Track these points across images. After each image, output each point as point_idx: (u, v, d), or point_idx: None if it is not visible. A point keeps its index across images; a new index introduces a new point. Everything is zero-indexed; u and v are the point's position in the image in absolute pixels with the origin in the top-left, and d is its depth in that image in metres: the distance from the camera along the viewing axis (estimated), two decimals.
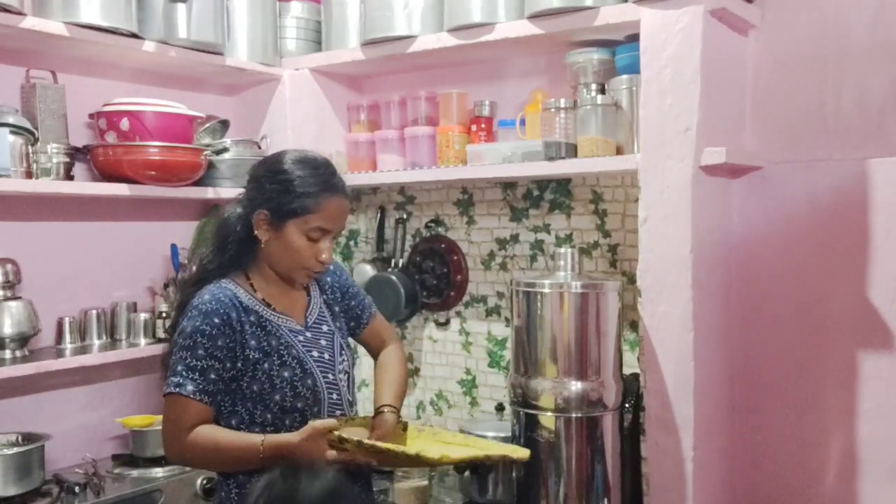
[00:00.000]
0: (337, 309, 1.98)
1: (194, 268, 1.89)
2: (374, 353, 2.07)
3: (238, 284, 1.83)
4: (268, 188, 1.79)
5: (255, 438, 1.72)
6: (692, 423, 1.99)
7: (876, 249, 2.04)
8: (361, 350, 2.10)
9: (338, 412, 1.84)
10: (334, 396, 1.84)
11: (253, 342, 1.76)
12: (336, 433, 1.69)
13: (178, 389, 1.70)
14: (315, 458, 1.67)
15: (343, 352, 1.90)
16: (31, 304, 2.30)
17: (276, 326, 1.81)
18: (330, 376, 1.85)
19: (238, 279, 1.84)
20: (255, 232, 1.80)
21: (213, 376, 1.72)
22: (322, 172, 1.81)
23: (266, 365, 1.76)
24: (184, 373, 1.71)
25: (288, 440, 1.70)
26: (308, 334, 1.86)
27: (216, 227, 1.90)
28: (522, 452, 1.88)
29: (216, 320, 1.73)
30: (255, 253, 1.84)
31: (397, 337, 2.14)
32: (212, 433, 1.73)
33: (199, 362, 1.71)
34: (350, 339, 2.03)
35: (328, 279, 1.99)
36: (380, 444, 1.71)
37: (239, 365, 1.75)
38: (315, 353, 1.83)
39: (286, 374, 1.77)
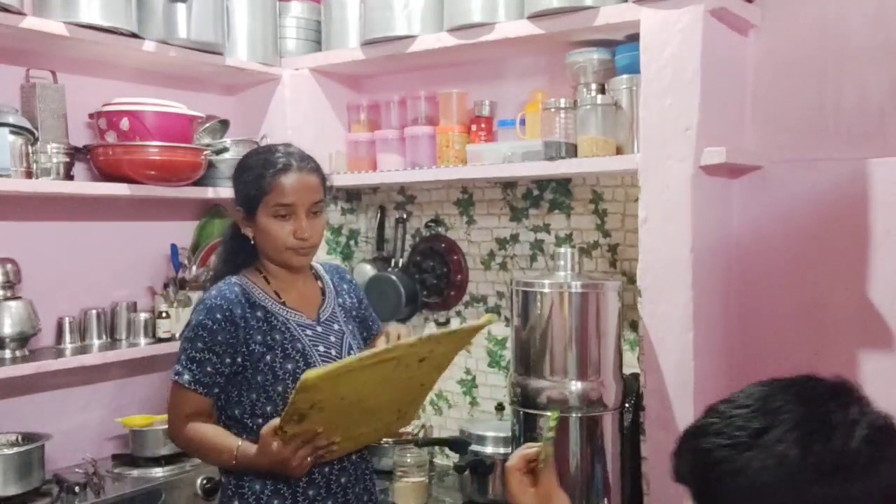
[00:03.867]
0: (354, 314, 2.03)
1: (211, 269, 2.00)
2: None
3: (251, 279, 1.89)
4: (235, 187, 1.90)
5: (232, 443, 1.78)
6: None
7: (876, 249, 2.04)
8: None
9: None
10: None
11: (258, 336, 1.82)
12: (278, 426, 1.64)
13: (176, 377, 1.81)
14: (274, 460, 1.69)
15: (351, 351, 1.92)
16: (31, 304, 2.30)
17: (283, 321, 1.86)
18: None
19: (251, 274, 1.91)
20: (243, 231, 1.89)
21: (209, 369, 1.79)
22: (269, 155, 1.85)
23: (269, 357, 1.81)
24: (184, 363, 1.80)
25: (251, 450, 1.73)
26: (319, 329, 1.90)
27: (223, 231, 2.01)
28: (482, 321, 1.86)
29: (218, 316, 1.80)
30: (255, 250, 1.91)
31: None
32: (199, 429, 1.81)
33: (197, 354, 1.79)
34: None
35: (345, 286, 2.05)
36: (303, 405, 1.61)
37: (239, 360, 1.81)
38: (322, 348, 1.88)
39: (289, 366, 1.82)
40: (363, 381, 1.65)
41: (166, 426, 2.41)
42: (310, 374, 1.56)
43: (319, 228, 1.87)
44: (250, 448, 1.75)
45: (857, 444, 0.91)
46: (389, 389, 1.74)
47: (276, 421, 1.68)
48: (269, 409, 1.81)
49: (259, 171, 1.83)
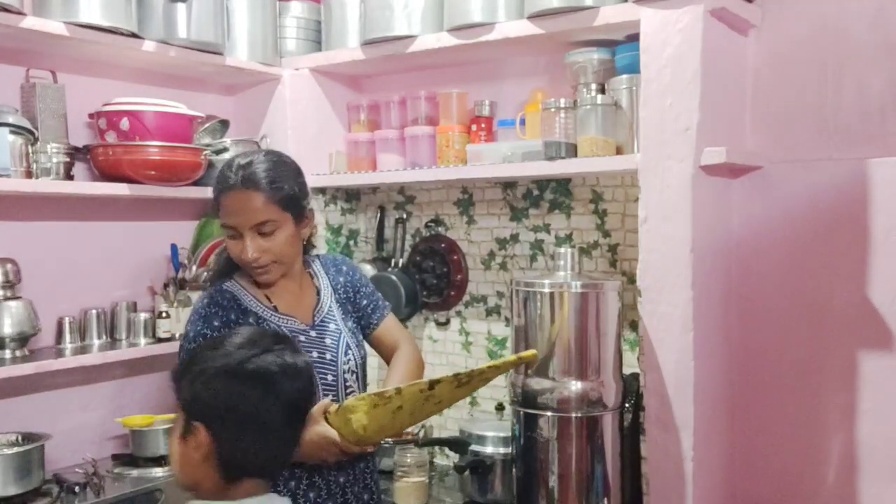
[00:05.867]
0: (350, 308, 2.00)
1: (211, 269, 1.97)
2: (387, 357, 2.05)
3: (242, 285, 1.88)
4: None
5: None
6: (692, 423, 1.99)
7: (876, 249, 2.04)
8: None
9: None
10: (329, 398, 1.84)
11: None
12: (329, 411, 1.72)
13: None
14: (319, 443, 1.69)
15: (349, 351, 1.91)
16: (31, 304, 2.30)
17: (274, 328, 1.83)
18: (329, 377, 1.86)
19: (244, 279, 1.88)
20: None
21: None
22: (226, 170, 1.80)
23: None
24: None
25: None
26: (313, 333, 1.87)
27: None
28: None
29: (216, 323, 1.79)
30: None
31: (412, 339, 2.12)
32: None
33: None
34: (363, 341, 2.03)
35: (341, 279, 2.01)
36: (350, 402, 1.70)
37: None
38: (315, 354, 1.84)
39: None
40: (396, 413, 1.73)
41: (166, 427, 2.45)
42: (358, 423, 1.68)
43: (274, 247, 1.79)
44: None
45: (266, 364, 1.42)
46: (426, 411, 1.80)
47: (326, 401, 1.73)
48: None
49: (214, 189, 1.82)
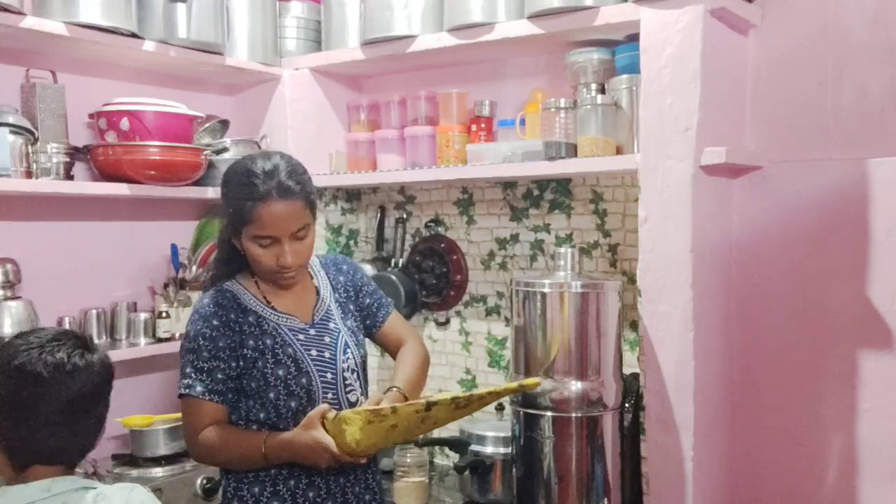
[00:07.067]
0: (352, 307, 2.00)
1: (209, 272, 1.97)
2: (394, 354, 2.07)
3: (242, 285, 1.88)
4: (222, 200, 1.84)
5: (258, 437, 1.76)
6: (692, 423, 1.99)
7: (876, 249, 2.04)
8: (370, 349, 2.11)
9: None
10: (329, 396, 1.85)
11: (251, 342, 1.81)
12: (327, 417, 1.72)
13: (188, 391, 1.77)
14: (314, 448, 1.70)
15: (348, 350, 1.91)
16: (31, 304, 2.30)
17: (273, 326, 1.84)
18: (328, 375, 1.86)
19: (244, 279, 1.89)
20: (233, 240, 1.85)
21: (220, 376, 1.78)
22: (252, 178, 1.75)
23: (260, 363, 1.81)
24: (192, 375, 1.77)
25: (288, 435, 1.75)
26: (312, 332, 1.88)
27: (218, 234, 1.96)
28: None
29: (215, 322, 1.79)
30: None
31: (418, 335, 2.14)
32: (219, 433, 1.78)
33: (205, 364, 1.77)
34: (365, 339, 2.04)
35: (341, 278, 2.01)
36: (347, 413, 1.70)
37: (241, 363, 1.80)
38: (314, 352, 1.85)
39: (280, 372, 1.81)
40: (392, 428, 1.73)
41: (166, 427, 2.45)
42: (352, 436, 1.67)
43: (305, 249, 1.81)
44: (278, 435, 1.75)
45: (32, 361, 1.48)
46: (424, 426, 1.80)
47: (324, 406, 1.73)
48: (262, 415, 1.81)
49: (241, 197, 1.75)
